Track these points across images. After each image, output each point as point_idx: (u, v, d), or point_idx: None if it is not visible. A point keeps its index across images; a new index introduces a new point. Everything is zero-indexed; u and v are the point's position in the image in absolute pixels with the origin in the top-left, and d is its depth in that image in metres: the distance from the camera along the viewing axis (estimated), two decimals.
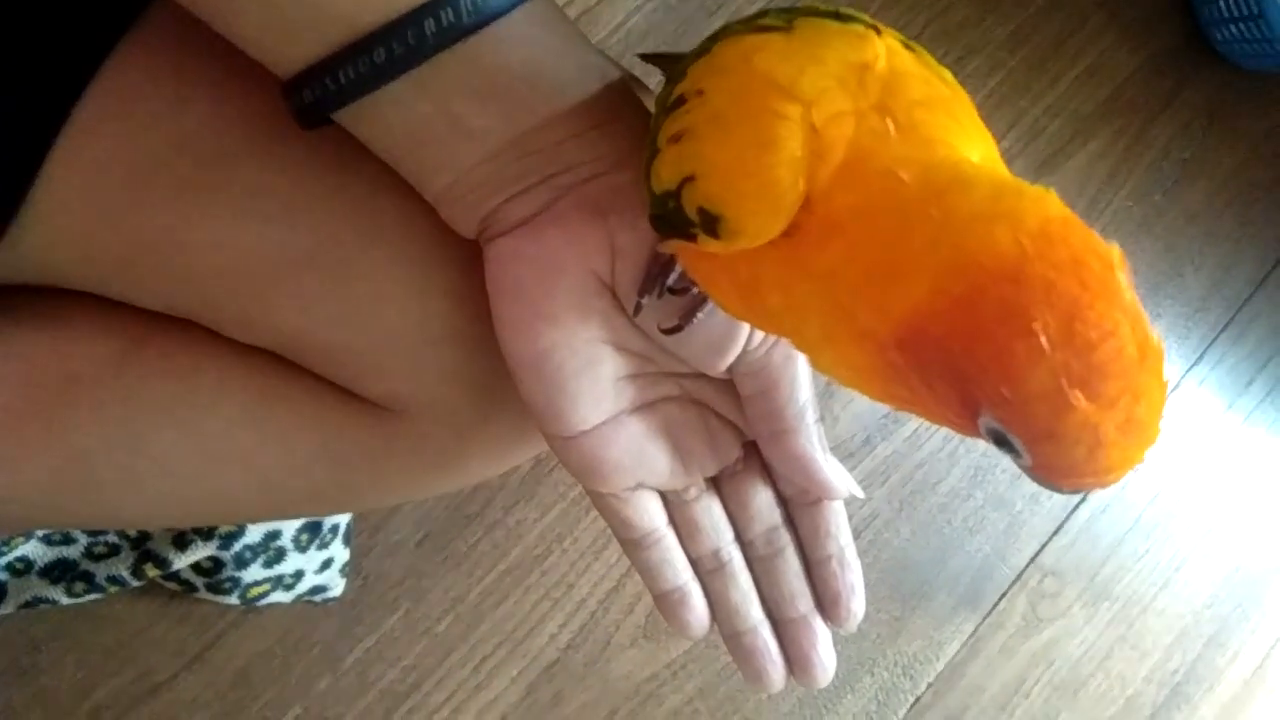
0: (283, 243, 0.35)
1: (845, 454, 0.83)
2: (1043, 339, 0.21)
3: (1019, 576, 0.88)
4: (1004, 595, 0.87)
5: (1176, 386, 0.94)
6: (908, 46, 0.27)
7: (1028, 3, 0.91)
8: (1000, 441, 0.23)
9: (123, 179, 0.35)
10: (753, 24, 0.28)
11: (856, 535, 0.83)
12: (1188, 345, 0.94)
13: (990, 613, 0.87)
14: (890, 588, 0.84)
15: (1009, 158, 0.89)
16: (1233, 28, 0.91)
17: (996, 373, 0.22)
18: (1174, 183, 0.94)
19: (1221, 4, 0.90)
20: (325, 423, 0.39)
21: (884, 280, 0.24)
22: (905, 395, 0.25)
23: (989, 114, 0.89)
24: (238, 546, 0.59)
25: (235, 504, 0.42)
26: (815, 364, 0.29)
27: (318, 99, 0.31)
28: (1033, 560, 0.88)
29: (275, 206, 0.35)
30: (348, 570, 0.68)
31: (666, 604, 0.36)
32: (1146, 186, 0.93)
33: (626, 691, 0.76)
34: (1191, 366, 0.94)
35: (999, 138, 0.89)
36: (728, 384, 0.36)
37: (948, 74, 0.27)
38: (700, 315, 0.33)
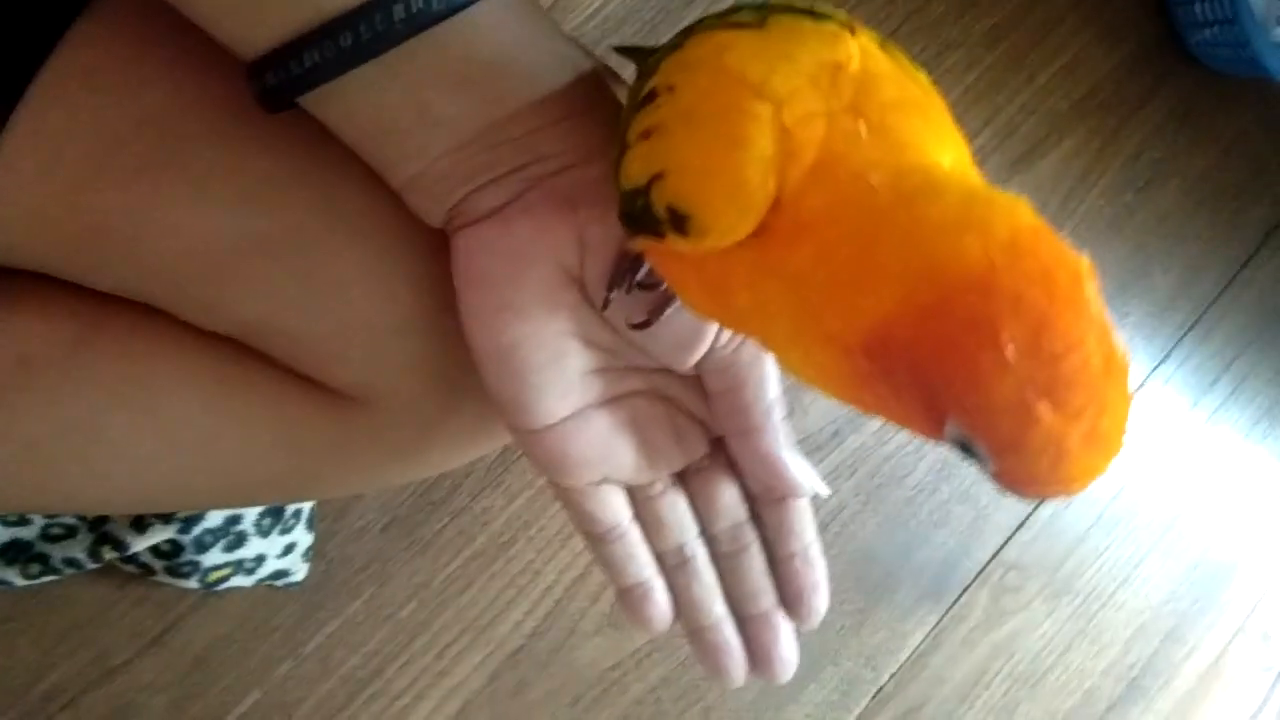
0: (243, 228, 0.35)
1: (814, 446, 0.83)
2: (1009, 350, 0.21)
3: (982, 570, 0.88)
4: (967, 588, 0.88)
5: (1142, 384, 0.95)
6: (882, 46, 0.27)
7: None
8: (965, 449, 0.23)
9: (79, 158, 0.34)
10: (726, 19, 0.27)
11: (823, 527, 0.84)
12: (1154, 344, 0.95)
13: (953, 605, 0.87)
14: (855, 579, 0.84)
15: (983, 154, 0.90)
16: (1208, 31, 0.91)
17: (963, 383, 0.22)
18: (1146, 183, 0.95)
19: (1197, 7, 0.91)
20: (286, 411, 0.38)
21: (852, 286, 0.24)
22: (872, 401, 0.25)
23: (965, 110, 0.89)
24: (198, 530, 0.58)
25: (193, 491, 0.41)
26: (782, 364, 0.29)
27: (281, 83, 0.30)
28: (996, 554, 0.89)
29: (236, 191, 0.35)
30: (311, 555, 0.68)
31: (629, 599, 0.36)
32: (1118, 186, 0.94)
33: (590, 680, 0.76)
34: (1158, 365, 0.95)
35: (974, 134, 0.90)
36: (695, 380, 0.36)
37: (923, 76, 0.27)
38: (669, 311, 0.33)
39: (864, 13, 0.86)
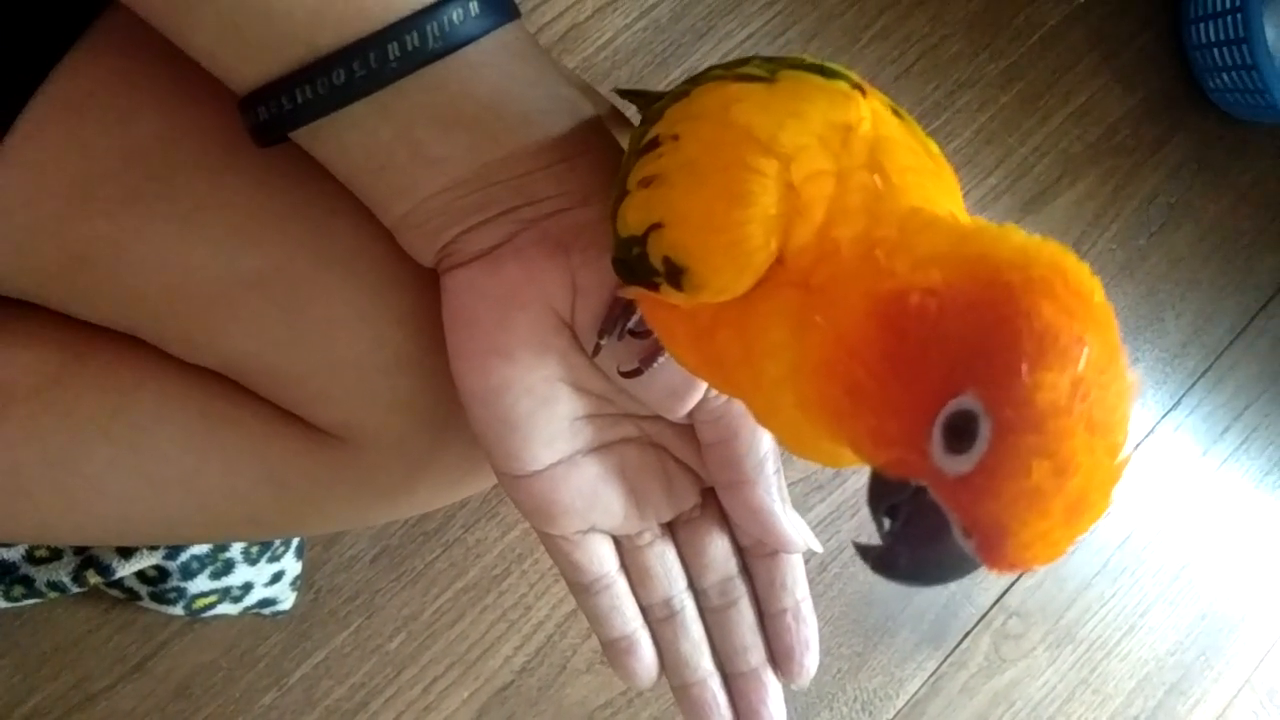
0: (231, 263, 0.34)
1: (814, 486, 0.82)
2: (1086, 346, 0.20)
3: (984, 616, 0.87)
4: (968, 634, 0.87)
5: (1151, 431, 0.94)
6: (895, 112, 0.26)
7: (1022, 39, 0.90)
8: (955, 432, 0.21)
9: (67, 187, 0.34)
10: (735, 71, 0.27)
11: (822, 568, 0.82)
12: (1165, 390, 0.94)
13: (953, 651, 0.86)
14: (853, 623, 0.83)
15: (995, 195, 0.89)
16: (1225, 76, 0.91)
17: (1031, 345, 0.20)
18: (1159, 228, 0.94)
19: (1216, 52, 0.90)
20: (270, 448, 0.38)
21: (910, 251, 0.23)
22: (850, 384, 0.23)
23: (977, 150, 0.88)
24: (184, 556, 0.58)
25: (173, 526, 0.40)
26: (748, 392, 0.28)
27: (273, 117, 0.30)
28: (998, 600, 0.88)
29: (225, 225, 0.34)
30: (299, 584, 0.67)
31: (614, 652, 0.35)
32: (1132, 230, 0.93)
33: (580, 718, 0.75)
34: (1167, 412, 0.94)
35: (986, 175, 0.89)
36: (688, 428, 0.35)
37: (933, 145, 0.27)
38: (661, 359, 0.33)
39: (877, 51, 0.85)
